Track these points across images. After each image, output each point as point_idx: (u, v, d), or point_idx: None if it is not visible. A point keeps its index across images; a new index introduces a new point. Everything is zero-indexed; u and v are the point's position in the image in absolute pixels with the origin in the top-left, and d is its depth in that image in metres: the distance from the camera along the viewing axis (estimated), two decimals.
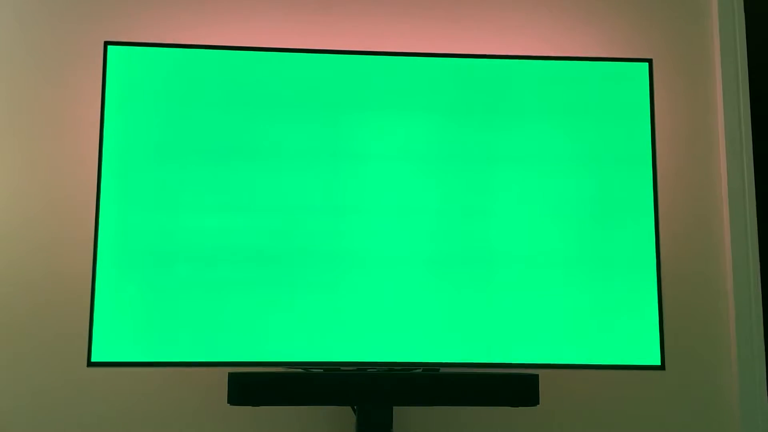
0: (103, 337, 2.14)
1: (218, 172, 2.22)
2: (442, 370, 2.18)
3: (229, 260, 2.19)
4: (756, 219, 2.56)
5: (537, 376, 2.10)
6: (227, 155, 2.23)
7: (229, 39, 2.51)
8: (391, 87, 2.29)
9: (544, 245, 2.25)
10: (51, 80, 2.50)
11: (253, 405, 2.06)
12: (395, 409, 2.27)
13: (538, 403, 2.09)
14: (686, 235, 2.55)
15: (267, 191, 2.22)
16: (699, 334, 2.52)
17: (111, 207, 2.19)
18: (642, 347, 2.22)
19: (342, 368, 2.16)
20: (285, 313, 2.18)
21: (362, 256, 2.21)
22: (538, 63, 2.33)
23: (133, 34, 2.51)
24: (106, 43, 2.26)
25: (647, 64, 2.33)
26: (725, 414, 2.49)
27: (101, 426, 2.38)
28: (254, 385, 2.05)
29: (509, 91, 2.31)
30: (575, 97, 2.32)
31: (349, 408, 2.32)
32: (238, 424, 2.39)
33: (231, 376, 2.06)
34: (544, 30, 2.61)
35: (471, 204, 2.26)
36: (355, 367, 2.16)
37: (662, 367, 2.22)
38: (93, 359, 2.13)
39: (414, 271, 2.22)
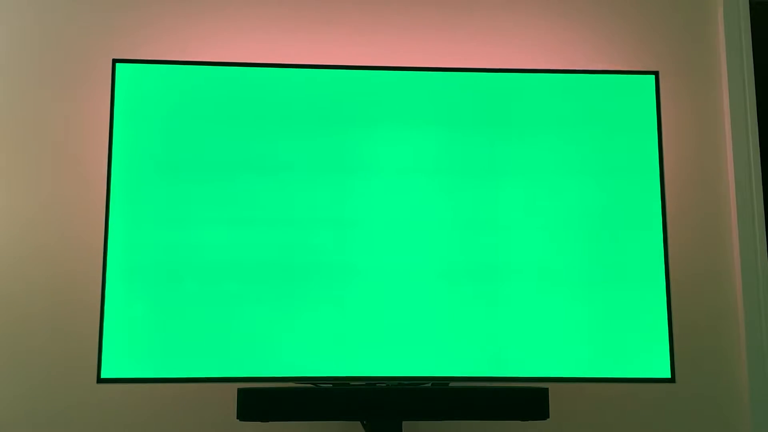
0: (112, 353, 2.14)
1: (227, 187, 2.23)
2: (452, 384, 2.18)
3: (238, 275, 2.20)
4: (765, 229, 2.55)
5: (547, 389, 2.09)
6: (235, 170, 2.24)
7: (237, 55, 2.52)
8: (398, 101, 2.30)
9: (552, 258, 2.25)
10: (60, 98, 2.52)
11: (263, 420, 2.06)
12: (404, 423, 2.27)
13: (548, 417, 2.09)
14: (695, 246, 2.55)
15: (276, 205, 2.23)
16: (709, 347, 2.51)
17: (120, 222, 2.20)
18: (652, 360, 2.21)
19: (351, 383, 2.16)
20: (294, 327, 2.18)
21: (371, 269, 2.22)
22: (545, 76, 2.34)
23: (141, 52, 2.53)
24: (115, 61, 2.27)
25: (654, 76, 2.34)
26: (737, 427, 2.47)
27: None
28: (264, 400, 2.05)
29: (516, 105, 2.32)
30: (583, 109, 2.32)
31: (358, 423, 2.32)
32: None
33: (240, 391, 2.06)
34: (551, 44, 2.62)
35: (479, 217, 2.26)
36: (364, 382, 2.16)
37: (672, 379, 2.22)
38: (102, 376, 2.14)
39: (423, 284, 2.22)
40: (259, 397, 2.05)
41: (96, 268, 2.33)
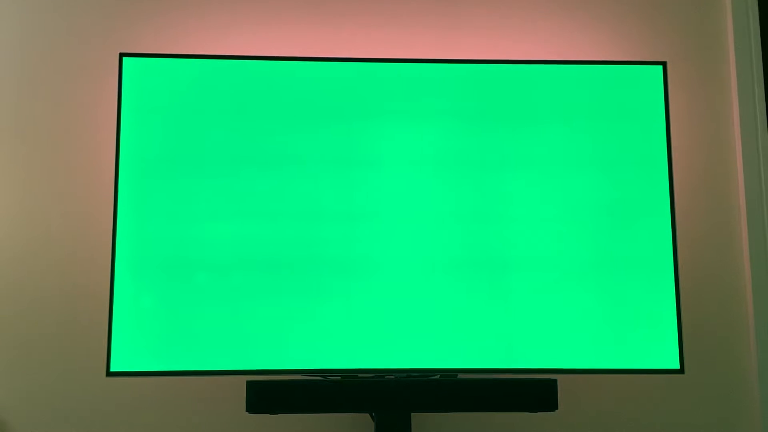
0: (121, 347, 2.15)
1: (233, 181, 2.23)
2: (460, 376, 2.18)
3: (246, 269, 2.20)
4: None
5: (555, 381, 2.09)
6: (242, 164, 2.24)
7: (243, 49, 2.52)
8: (404, 93, 2.29)
9: (560, 249, 2.24)
10: (66, 92, 2.52)
11: (272, 413, 2.06)
12: (413, 415, 2.27)
13: (557, 408, 2.09)
14: (704, 238, 2.54)
15: (283, 199, 2.23)
16: (718, 337, 2.51)
17: (128, 217, 2.20)
18: (661, 351, 2.21)
19: (360, 375, 2.16)
20: (302, 320, 2.19)
21: (378, 262, 2.22)
22: (552, 67, 2.33)
23: (147, 46, 2.53)
24: (122, 55, 2.27)
25: (662, 66, 2.33)
26: (746, 416, 2.47)
27: None
28: (272, 392, 2.05)
29: (523, 96, 2.31)
30: (590, 100, 2.32)
31: (367, 415, 2.32)
32: None
33: (249, 384, 2.07)
34: (557, 34, 2.61)
35: (486, 209, 2.26)
36: (372, 374, 2.16)
37: (681, 370, 2.21)
38: (112, 369, 2.14)
39: (431, 277, 2.22)
40: (268, 390, 2.05)
41: (104, 261, 2.34)
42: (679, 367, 2.21)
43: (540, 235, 2.25)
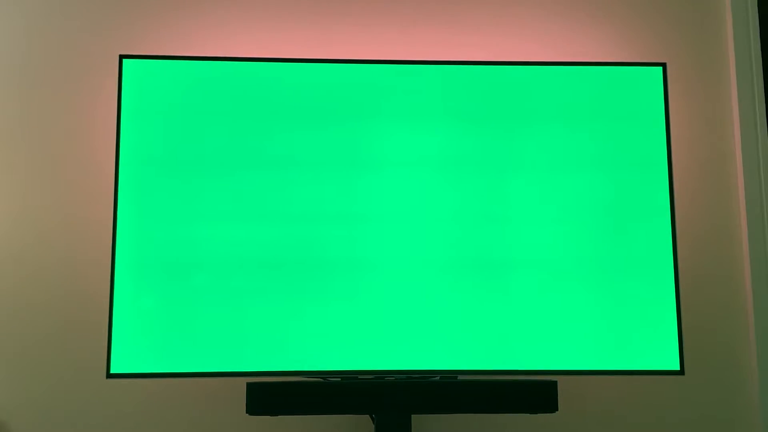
0: (121, 349, 2.15)
1: (234, 182, 2.23)
2: (460, 377, 2.18)
3: (246, 270, 2.20)
4: None
5: (555, 382, 2.09)
6: (242, 165, 2.24)
7: (243, 50, 2.52)
8: (406, 95, 2.29)
9: (561, 251, 2.24)
10: (66, 94, 2.52)
11: (272, 414, 2.06)
12: (413, 416, 2.27)
13: (557, 410, 2.09)
14: (704, 238, 2.54)
15: (283, 200, 2.23)
16: (718, 339, 2.51)
17: (128, 219, 2.20)
18: (661, 352, 2.21)
19: (360, 377, 2.16)
20: (302, 321, 2.19)
21: (379, 263, 2.22)
22: (552, 69, 2.33)
23: (147, 48, 2.53)
24: (121, 57, 2.27)
25: (662, 68, 2.33)
26: (746, 416, 2.47)
27: None
28: (272, 394, 2.05)
29: (524, 97, 2.31)
30: (590, 102, 2.31)
31: (367, 416, 2.32)
32: None
33: (249, 385, 2.07)
34: (558, 35, 2.61)
35: (487, 210, 2.26)
36: (373, 376, 2.16)
37: (681, 372, 2.21)
38: (112, 371, 2.14)
39: (431, 278, 2.22)
40: (268, 392, 2.05)
41: (105, 263, 2.34)
42: (679, 368, 2.21)
43: (541, 236, 2.25)
